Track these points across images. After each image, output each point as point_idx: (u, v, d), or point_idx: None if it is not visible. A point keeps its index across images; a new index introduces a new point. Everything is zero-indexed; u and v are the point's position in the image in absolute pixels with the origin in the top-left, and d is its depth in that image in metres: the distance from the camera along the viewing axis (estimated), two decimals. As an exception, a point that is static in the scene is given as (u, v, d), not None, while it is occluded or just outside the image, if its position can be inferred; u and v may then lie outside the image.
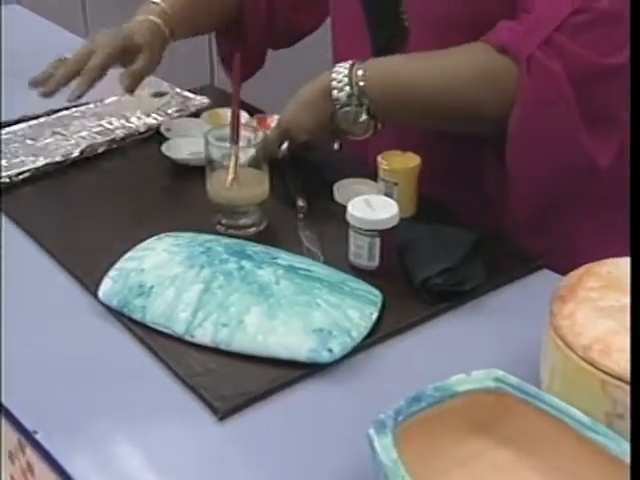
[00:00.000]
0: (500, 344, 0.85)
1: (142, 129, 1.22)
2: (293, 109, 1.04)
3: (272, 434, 0.76)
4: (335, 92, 0.98)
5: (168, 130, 1.20)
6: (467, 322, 0.89)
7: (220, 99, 1.32)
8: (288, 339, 0.81)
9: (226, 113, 1.23)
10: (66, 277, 0.95)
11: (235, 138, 0.99)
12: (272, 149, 1.04)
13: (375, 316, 0.85)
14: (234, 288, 0.86)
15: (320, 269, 0.91)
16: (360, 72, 0.97)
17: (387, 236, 0.92)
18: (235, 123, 0.99)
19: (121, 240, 0.98)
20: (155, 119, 1.24)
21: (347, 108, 0.98)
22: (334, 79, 0.99)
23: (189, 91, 1.35)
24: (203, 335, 0.83)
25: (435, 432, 0.70)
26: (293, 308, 0.84)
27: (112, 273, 0.91)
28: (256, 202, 1.00)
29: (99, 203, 1.08)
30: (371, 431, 0.66)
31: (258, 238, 0.99)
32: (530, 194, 0.98)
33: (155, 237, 0.96)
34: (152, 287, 0.87)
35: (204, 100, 1.30)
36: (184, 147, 1.16)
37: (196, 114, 1.27)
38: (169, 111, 1.27)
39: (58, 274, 0.95)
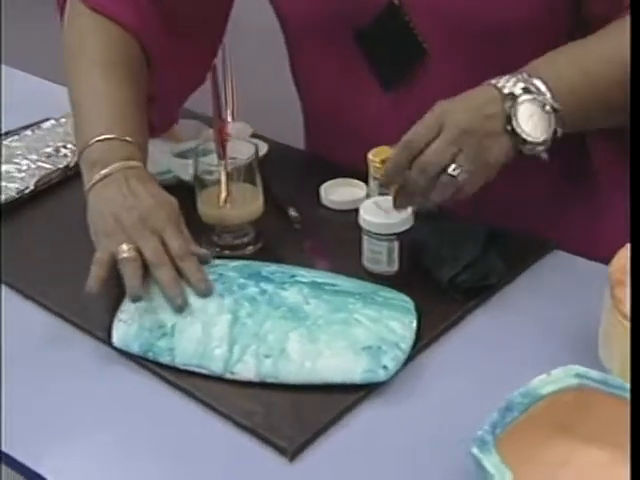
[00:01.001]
0: (540, 333, 0.84)
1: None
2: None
3: (346, 464, 0.71)
4: (506, 90, 0.81)
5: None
6: (500, 316, 0.86)
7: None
8: (338, 362, 0.77)
9: (182, 127, 1.17)
10: (64, 326, 0.87)
11: (222, 153, 0.93)
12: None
13: (415, 324, 0.82)
14: (264, 315, 0.80)
15: (344, 282, 0.86)
16: (522, 74, 0.82)
17: (404, 238, 0.89)
18: (220, 137, 0.93)
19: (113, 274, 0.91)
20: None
21: (526, 97, 0.81)
22: (493, 82, 0.82)
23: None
24: (245, 370, 0.77)
25: (526, 439, 0.67)
26: (332, 327, 0.79)
27: (122, 316, 0.83)
28: (252, 219, 0.95)
29: (71, 238, 0.99)
30: (475, 450, 0.63)
31: (257, 257, 0.94)
32: None
33: (154, 269, 0.89)
34: (174, 325, 0.81)
35: (150, 114, 1.22)
36: (149, 167, 1.09)
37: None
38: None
39: (54, 325, 0.87)
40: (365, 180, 1.03)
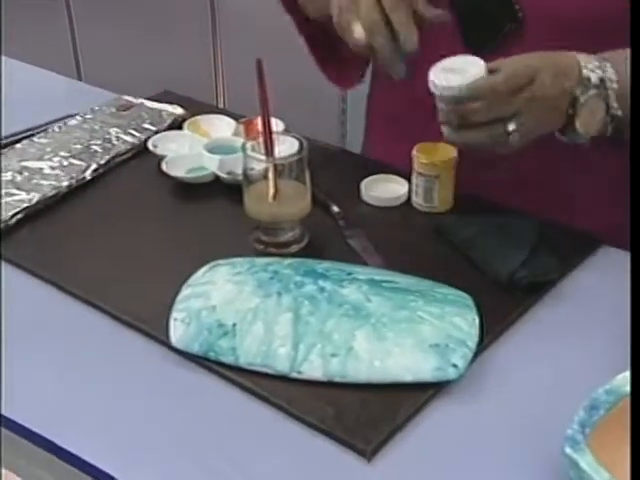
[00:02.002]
0: (602, 326, 0.83)
1: (123, 149, 1.11)
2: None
3: (425, 463, 0.70)
4: (585, 71, 0.81)
5: (155, 147, 1.10)
6: (560, 311, 0.86)
7: (191, 106, 1.22)
8: (408, 360, 0.76)
9: (210, 120, 1.15)
10: (114, 326, 0.84)
11: (269, 150, 0.91)
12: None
13: (477, 321, 0.81)
14: (326, 313, 0.79)
15: (401, 278, 0.85)
16: (606, 63, 0.82)
17: None
18: (267, 133, 0.91)
19: (158, 275, 0.90)
20: (133, 136, 1.13)
21: (596, 91, 0.82)
22: (581, 59, 0.82)
23: (149, 100, 1.24)
24: (312, 370, 0.76)
25: (614, 437, 0.66)
26: (399, 325, 0.78)
27: (178, 315, 0.81)
28: (300, 216, 0.93)
29: (111, 237, 0.97)
30: (568, 450, 0.62)
31: (303, 254, 0.93)
32: None
33: (205, 268, 0.87)
34: (235, 325, 0.79)
35: (177, 110, 1.20)
36: (181, 163, 1.07)
37: (174, 126, 1.17)
38: (144, 125, 1.16)
39: (103, 324, 0.85)
40: (405, 177, 1.02)
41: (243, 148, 0.91)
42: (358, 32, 0.85)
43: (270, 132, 0.91)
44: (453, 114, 0.82)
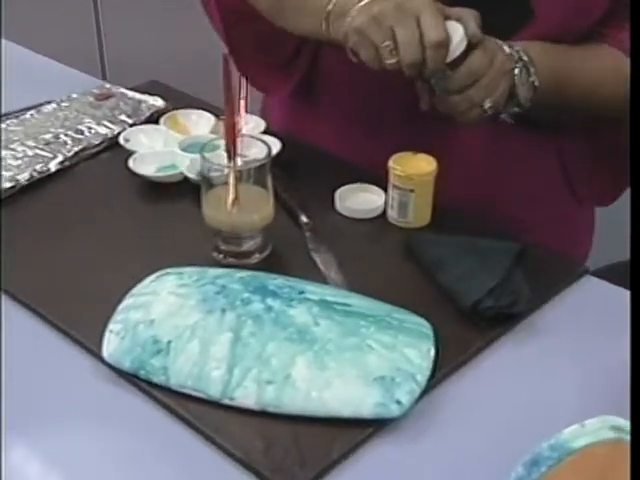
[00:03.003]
0: (569, 369, 0.77)
1: (95, 141, 1.06)
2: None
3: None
4: (506, 48, 0.88)
5: (127, 141, 1.05)
6: (526, 347, 0.79)
7: (174, 98, 1.17)
8: (347, 393, 0.70)
9: (189, 116, 1.10)
10: (50, 333, 0.80)
11: (232, 153, 0.86)
12: None
13: (433, 352, 0.75)
14: (269, 335, 0.73)
15: (357, 300, 0.79)
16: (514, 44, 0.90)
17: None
18: (231, 136, 0.86)
19: (105, 279, 0.85)
20: (107, 127, 1.09)
21: (521, 64, 0.89)
22: (496, 40, 0.88)
23: (133, 90, 1.20)
24: (245, 397, 0.70)
25: (555, 497, 0.61)
26: (343, 354, 0.72)
27: (114, 327, 0.76)
28: (261, 226, 0.87)
29: (64, 235, 0.92)
30: (500, 510, 0.56)
31: (264, 266, 0.87)
32: None
33: (152, 277, 0.82)
34: (170, 342, 0.74)
35: (157, 102, 1.15)
36: (151, 160, 1.02)
37: (152, 119, 1.12)
38: (121, 117, 1.11)
39: (40, 330, 0.80)
40: (383, 186, 0.96)
41: (202, 150, 0.86)
42: (389, 59, 0.83)
43: (234, 134, 0.86)
44: (441, 105, 0.87)
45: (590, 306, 0.85)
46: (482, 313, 0.80)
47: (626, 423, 0.62)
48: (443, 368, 0.75)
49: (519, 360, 0.78)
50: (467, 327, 0.80)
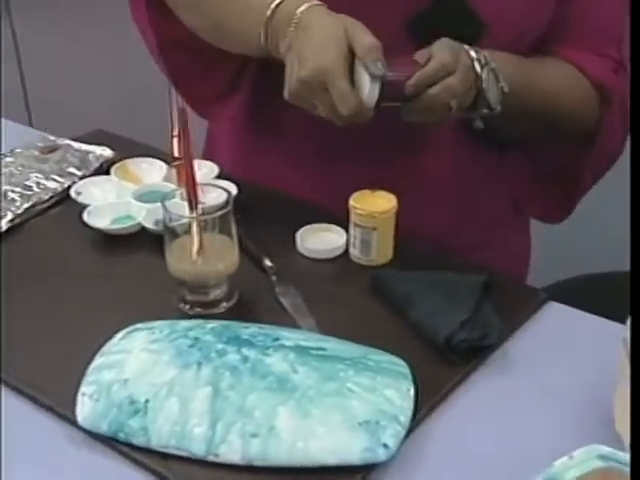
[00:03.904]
0: (546, 396, 0.78)
1: (45, 196, 1.04)
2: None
3: None
4: (472, 53, 0.90)
5: (79, 194, 1.03)
6: (502, 378, 0.80)
7: (121, 146, 1.16)
8: (333, 441, 0.69)
9: (140, 164, 1.09)
10: (17, 401, 0.77)
11: (194, 203, 0.85)
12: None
13: (412, 392, 0.75)
14: (248, 386, 0.72)
15: (331, 344, 0.79)
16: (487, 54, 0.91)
17: None
18: (191, 186, 0.85)
19: (72, 341, 0.83)
20: (56, 181, 1.07)
21: (487, 68, 0.90)
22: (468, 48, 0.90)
23: (78, 141, 1.18)
24: (230, 452, 0.69)
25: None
26: (325, 400, 0.72)
27: (87, 389, 0.74)
28: (227, 273, 0.87)
29: (22, 297, 0.89)
30: None
31: (233, 314, 0.86)
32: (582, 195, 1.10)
33: (121, 333, 0.80)
34: (147, 401, 0.72)
35: (105, 151, 1.13)
36: (105, 213, 1.00)
37: (101, 170, 1.10)
38: (69, 170, 1.09)
39: (10, 401, 0.78)
40: (342, 224, 0.96)
41: (162, 200, 0.85)
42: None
43: (194, 185, 0.85)
44: (406, 113, 0.88)
45: (556, 331, 0.86)
46: (455, 347, 0.80)
47: (611, 451, 0.63)
48: (423, 407, 0.75)
49: (495, 392, 0.79)
50: (442, 362, 0.80)
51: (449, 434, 0.74)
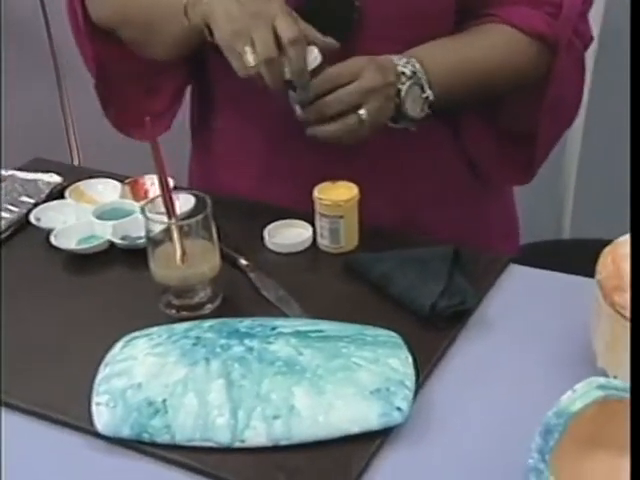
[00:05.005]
0: (528, 346, 0.84)
1: (3, 226, 1.04)
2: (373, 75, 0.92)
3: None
4: (399, 67, 0.95)
5: (39, 220, 1.03)
6: (483, 338, 0.86)
7: (67, 172, 1.16)
8: (352, 411, 0.73)
9: (93, 185, 1.11)
10: (25, 421, 0.78)
11: (171, 210, 0.87)
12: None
13: (410, 359, 0.79)
14: (259, 373, 0.76)
15: (326, 325, 0.83)
16: (412, 58, 0.96)
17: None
18: (166, 194, 0.87)
19: (66, 359, 0.84)
20: (11, 211, 1.07)
21: (412, 81, 0.95)
22: (394, 59, 0.95)
23: (20, 170, 1.18)
24: (256, 436, 0.72)
25: (574, 456, 0.66)
26: (336, 375, 0.76)
27: (101, 399, 0.76)
28: (211, 275, 0.89)
29: (5, 326, 0.90)
30: None
31: (219, 314, 0.89)
32: (544, 155, 1.12)
33: (120, 343, 0.82)
34: (165, 400, 0.74)
35: (53, 177, 1.14)
36: (71, 234, 1.01)
37: (53, 195, 1.11)
38: (22, 199, 1.09)
39: (13, 421, 0.78)
40: (308, 219, 1.00)
41: (143, 211, 0.87)
42: (251, 60, 0.88)
43: (169, 193, 0.88)
44: (310, 112, 0.92)
45: (522, 290, 0.93)
46: (440, 313, 0.85)
47: (608, 380, 0.69)
48: (422, 371, 0.80)
49: (481, 350, 0.84)
50: (429, 330, 0.85)
51: (450, 392, 0.79)
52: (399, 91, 0.94)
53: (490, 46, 1.02)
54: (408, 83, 0.95)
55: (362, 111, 0.91)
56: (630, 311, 0.72)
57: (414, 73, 0.95)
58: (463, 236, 1.04)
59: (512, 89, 1.05)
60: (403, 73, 0.95)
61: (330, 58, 0.93)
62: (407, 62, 0.96)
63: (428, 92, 0.97)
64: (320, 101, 0.91)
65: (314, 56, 0.90)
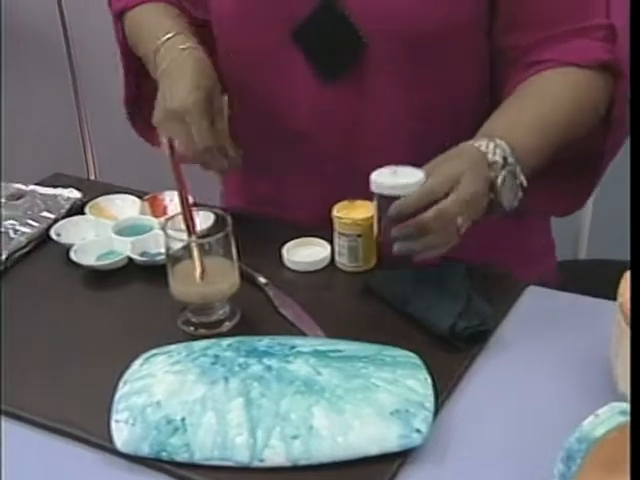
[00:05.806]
0: (546, 370, 0.84)
1: (24, 241, 1.05)
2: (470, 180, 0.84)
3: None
4: (490, 156, 0.86)
5: (59, 235, 1.04)
6: (504, 359, 0.85)
7: (86, 187, 1.17)
8: (370, 431, 0.73)
9: (113, 201, 1.11)
10: (43, 438, 0.78)
11: (191, 228, 0.88)
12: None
13: (429, 380, 0.79)
14: (278, 392, 0.76)
15: (345, 345, 0.83)
16: (497, 140, 0.88)
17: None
18: (187, 212, 0.88)
19: (85, 376, 0.84)
20: (31, 226, 1.07)
21: (505, 170, 0.87)
22: (481, 146, 0.87)
23: (42, 185, 1.18)
24: (275, 455, 0.72)
25: (594, 481, 0.66)
26: (354, 396, 0.76)
27: (120, 416, 0.76)
28: (230, 293, 0.89)
29: (24, 341, 0.90)
30: (556, 504, 0.61)
31: (237, 332, 0.89)
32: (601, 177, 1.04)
33: (139, 360, 0.82)
34: (184, 419, 0.74)
35: (72, 193, 1.14)
36: (91, 250, 1.01)
37: (72, 211, 1.11)
38: (42, 214, 1.10)
39: (32, 438, 0.78)
40: (326, 238, 1.00)
41: (163, 228, 0.87)
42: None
43: (190, 211, 0.88)
44: (406, 230, 0.83)
45: (541, 312, 0.92)
46: (459, 334, 0.85)
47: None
48: (442, 392, 0.80)
49: (501, 372, 0.84)
50: (448, 350, 0.85)
51: (470, 413, 0.79)
52: (493, 184, 0.86)
53: (562, 96, 0.96)
54: (503, 173, 0.87)
55: (459, 221, 0.84)
56: (630, 313, 0.72)
57: (504, 159, 0.87)
58: (497, 261, 1.01)
59: (594, 125, 0.98)
60: (495, 162, 0.86)
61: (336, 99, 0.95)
62: (495, 147, 0.87)
63: (521, 179, 0.89)
64: (418, 218, 0.82)
65: (418, 177, 0.84)
